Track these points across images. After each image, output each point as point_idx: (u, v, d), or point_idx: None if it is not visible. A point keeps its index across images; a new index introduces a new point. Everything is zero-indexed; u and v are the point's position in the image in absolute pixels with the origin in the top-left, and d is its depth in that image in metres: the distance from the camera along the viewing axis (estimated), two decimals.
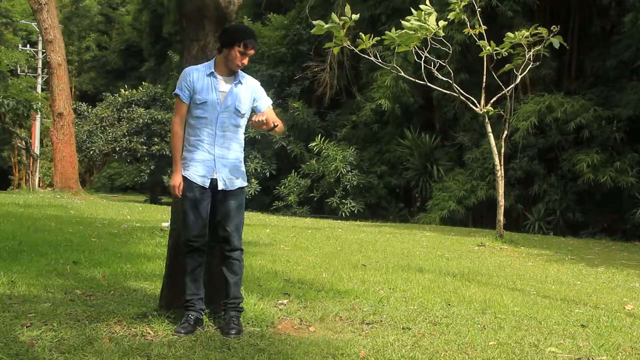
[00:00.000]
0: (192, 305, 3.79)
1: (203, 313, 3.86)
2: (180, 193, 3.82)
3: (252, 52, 3.82)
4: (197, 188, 3.82)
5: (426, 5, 10.30)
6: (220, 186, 3.85)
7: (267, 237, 9.51)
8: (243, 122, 3.96)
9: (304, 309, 4.49)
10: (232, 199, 3.88)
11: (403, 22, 10.41)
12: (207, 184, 3.83)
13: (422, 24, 10.21)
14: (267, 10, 26.44)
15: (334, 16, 10.50)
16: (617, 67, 15.87)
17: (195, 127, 3.84)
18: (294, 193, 21.07)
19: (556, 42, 10.64)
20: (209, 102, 3.81)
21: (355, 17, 10.38)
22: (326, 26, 10.51)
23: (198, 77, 3.83)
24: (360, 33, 11.36)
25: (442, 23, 10.49)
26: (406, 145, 19.74)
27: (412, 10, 10.40)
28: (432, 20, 10.25)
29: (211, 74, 3.84)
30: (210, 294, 3.92)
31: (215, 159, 3.84)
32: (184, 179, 3.83)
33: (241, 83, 3.92)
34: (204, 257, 3.86)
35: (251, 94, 3.96)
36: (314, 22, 10.65)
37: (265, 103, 4.05)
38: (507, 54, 11.11)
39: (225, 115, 3.85)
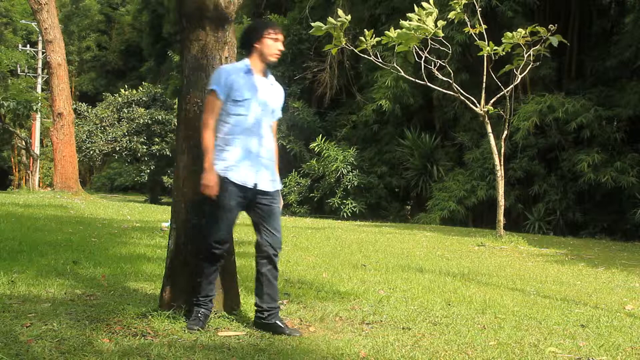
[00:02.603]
0: (204, 303, 3.79)
1: (211, 311, 3.86)
2: (216, 193, 3.70)
3: (281, 36, 3.85)
4: (237, 189, 3.74)
5: (428, 4, 10.31)
6: (266, 187, 3.81)
7: None
8: (273, 124, 3.95)
9: (304, 309, 4.49)
10: (276, 200, 3.86)
11: (402, 22, 10.43)
12: (250, 185, 3.76)
13: (421, 24, 10.22)
14: (267, 10, 26.45)
15: (330, 19, 10.58)
16: (617, 67, 15.88)
17: (235, 126, 3.75)
18: (294, 193, 21.08)
19: (555, 40, 10.63)
20: (250, 100, 3.76)
21: (348, 17, 10.47)
22: (324, 27, 10.55)
23: (237, 74, 3.78)
24: (365, 30, 11.37)
25: (440, 23, 10.49)
26: (406, 145, 19.75)
27: (415, 7, 10.41)
28: (430, 20, 10.25)
29: (249, 72, 3.81)
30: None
31: (257, 160, 3.78)
32: (223, 179, 3.72)
33: (273, 85, 3.92)
34: (222, 261, 3.85)
35: (279, 99, 3.98)
36: (313, 24, 10.69)
37: (278, 114, 4.03)
38: (506, 54, 11.11)
39: (264, 114, 3.82)
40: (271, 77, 3.94)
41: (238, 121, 3.75)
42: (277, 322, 3.81)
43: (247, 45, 3.86)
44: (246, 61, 3.85)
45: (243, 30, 3.97)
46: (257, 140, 3.79)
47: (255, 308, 3.89)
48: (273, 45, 3.82)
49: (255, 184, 3.78)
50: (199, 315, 3.75)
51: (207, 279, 3.80)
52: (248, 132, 3.76)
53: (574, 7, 17.50)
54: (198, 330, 3.64)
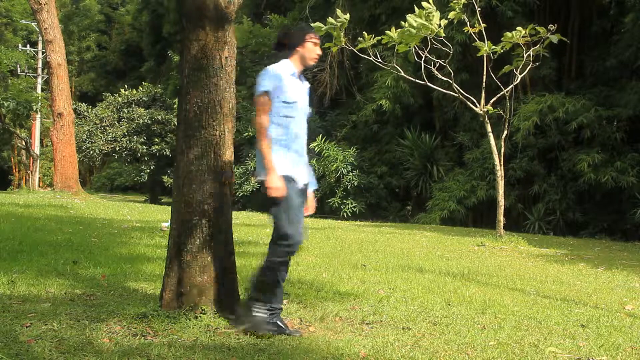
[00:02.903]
0: (276, 313, 3.81)
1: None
2: (284, 194, 3.68)
3: (319, 40, 3.93)
4: (299, 188, 3.81)
5: (428, 4, 10.31)
6: (314, 186, 3.95)
7: (267, 237, 9.48)
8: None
9: (304, 309, 4.49)
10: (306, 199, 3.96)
11: (405, 20, 10.44)
12: (304, 183, 3.86)
13: (424, 23, 10.23)
14: (267, 10, 26.46)
15: (330, 19, 10.63)
16: (617, 67, 15.87)
17: (285, 127, 3.77)
18: None
19: (555, 38, 10.63)
20: (298, 102, 3.81)
21: (346, 17, 10.51)
22: (324, 28, 10.57)
23: (286, 76, 3.81)
24: (364, 32, 11.39)
25: (443, 22, 10.50)
26: (406, 145, 19.75)
27: (416, 8, 10.41)
28: (435, 19, 10.26)
29: (294, 74, 3.85)
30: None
31: (303, 158, 3.87)
32: (287, 178, 3.72)
33: (304, 84, 3.98)
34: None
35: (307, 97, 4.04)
36: (312, 25, 10.71)
37: (309, 112, 4.11)
38: (505, 54, 11.11)
39: (305, 115, 3.89)
40: (302, 77, 4.00)
41: (288, 122, 3.79)
42: (278, 322, 3.82)
43: (288, 48, 3.89)
44: (288, 63, 3.87)
45: (283, 32, 4.00)
46: (302, 140, 3.87)
47: None
48: (313, 49, 3.90)
49: (306, 183, 3.90)
50: (280, 325, 3.76)
51: (281, 284, 3.82)
52: (296, 132, 3.82)
53: (574, 7, 17.50)
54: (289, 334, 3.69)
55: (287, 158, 3.78)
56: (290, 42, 3.90)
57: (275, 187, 3.67)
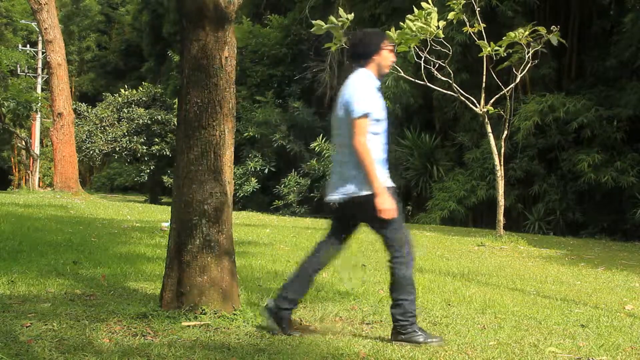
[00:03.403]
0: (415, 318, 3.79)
1: None
2: (396, 214, 3.68)
3: (393, 46, 3.87)
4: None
5: (427, 4, 10.30)
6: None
7: (267, 237, 9.51)
8: None
9: (304, 309, 4.49)
10: None
11: (407, 20, 10.42)
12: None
13: (423, 25, 10.22)
14: (267, 10, 26.45)
15: (332, 18, 10.58)
16: (617, 67, 15.87)
17: (376, 143, 3.72)
18: (293, 192, 21.07)
19: (554, 39, 10.64)
20: (383, 117, 3.76)
21: (350, 16, 10.45)
22: (325, 26, 10.56)
23: (375, 92, 3.74)
24: None
25: (441, 23, 10.49)
26: (406, 145, 19.74)
27: (415, 9, 10.41)
28: (434, 20, 10.25)
29: (377, 87, 3.78)
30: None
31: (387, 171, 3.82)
32: (390, 191, 3.72)
33: None
34: None
35: None
36: (314, 22, 10.70)
37: None
38: (506, 54, 11.11)
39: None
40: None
41: (377, 138, 3.73)
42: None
43: (364, 57, 3.81)
44: (370, 75, 3.79)
45: (357, 40, 3.89)
46: (386, 153, 3.81)
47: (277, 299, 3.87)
48: (389, 57, 3.82)
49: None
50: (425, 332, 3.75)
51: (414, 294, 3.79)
52: (383, 146, 3.78)
53: (574, 7, 17.50)
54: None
55: (383, 173, 3.75)
56: (366, 50, 3.80)
57: (389, 208, 3.65)
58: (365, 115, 3.65)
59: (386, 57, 3.81)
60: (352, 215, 3.84)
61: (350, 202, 3.76)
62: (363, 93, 3.70)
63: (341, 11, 10.59)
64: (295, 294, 3.87)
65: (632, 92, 15.03)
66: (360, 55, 3.83)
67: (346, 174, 3.76)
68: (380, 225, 3.74)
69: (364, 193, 3.69)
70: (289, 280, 3.97)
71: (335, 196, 3.82)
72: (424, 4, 10.31)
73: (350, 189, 3.73)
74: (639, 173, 14.44)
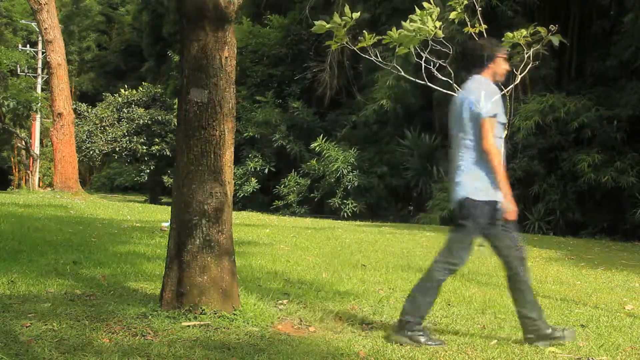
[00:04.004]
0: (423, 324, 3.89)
1: None
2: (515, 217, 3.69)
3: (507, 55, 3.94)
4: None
5: (429, 4, 10.29)
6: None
7: (267, 237, 9.50)
8: None
9: (304, 309, 4.49)
10: None
11: (404, 23, 10.41)
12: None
13: (422, 27, 10.21)
14: (267, 10, 26.46)
15: (335, 16, 10.56)
16: (617, 67, 15.86)
17: (498, 147, 3.75)
18: (294, 192, 21.08)
19: (555, 40, 10.62)
20: (505, 122, 3.83)
21: (356, 15, 10.41)
22: (327, 26, 10.53)
23: (500, 96, 3.79)
24: (364, 31, 11.35)
25: (438, 24, 10.48)
26: (406, 145, 19.75)
27: (416, 9, 10.39)
28: (430, 22, 10.24)
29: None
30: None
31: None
32: (492, 203, 3.71)
33: None
34: None
35: None
36: (315, 22, 10.68)
37: None
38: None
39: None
40: None
41: (500, 142, 3.77)
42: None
43: (480, 65, 3.88)
44: (487, 80, 3.84)
45: (473, 47, 3.99)
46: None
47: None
48: (504, 65, 3.88)
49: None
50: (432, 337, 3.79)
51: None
52: (502, 151, 3.81)
53: (574, 7, 17.50)
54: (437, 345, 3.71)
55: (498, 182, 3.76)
56: (483, 58, 3.87)
57: (514, 210, 3.70)
58: (494, 116, 3.71)
59: (501, 65, 3.88)
60: (466, 216, 3.83)
61: (465, 203, 3.80)
62: (490, 95, 3.76)
63: (347, 9, 10.52)
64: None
65: (632, 92, 15.02)
66: (476, 63, 3.92)
67: (463, 176, 3.80)
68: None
69: (481, 198, 3.73)
70: None
71: (455, 198, 3.88)
72: (425, 4, 10.30)
73: (464, 192, 3.77)
74: (639, 173, 14.43)
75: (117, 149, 27.66)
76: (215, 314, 3.93)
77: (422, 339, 3.69)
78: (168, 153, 27.26)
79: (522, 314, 3.85)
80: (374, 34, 11.08)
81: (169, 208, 4.41)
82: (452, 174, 3.87)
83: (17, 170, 40.36)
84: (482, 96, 3.73)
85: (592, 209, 15.67)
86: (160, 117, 27.56)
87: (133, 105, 28.34)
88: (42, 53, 33.06)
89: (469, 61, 3.96)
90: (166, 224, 8.95)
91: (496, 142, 3.73)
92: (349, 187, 19.94)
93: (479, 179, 3.73)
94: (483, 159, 3.71)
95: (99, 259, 6.13)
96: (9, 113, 25.02)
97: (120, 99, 28.70)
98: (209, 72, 4.00)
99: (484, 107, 3.70)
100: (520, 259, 3.91)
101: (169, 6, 34.47)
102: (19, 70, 33.89)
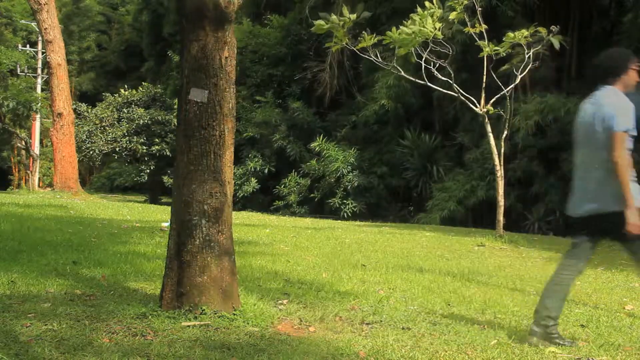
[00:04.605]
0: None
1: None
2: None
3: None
4: None
5: (431, 4, 10.30)
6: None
7: (267, 237, 9.50)
8: None
9: (304, 309, 4.49)
10: None
11: (402, 27, 10.42)
12: None
13: (422, 28, 10.22)
14: (267, 10, 26.46)
15: (334, 16, 10.57)
16: None
17: (628, 159, 3.74)
18: (294, 193, 21.09)
19: (556, 42, 10.65)
20: (636, 134, 3.79)
21: (353, 16, 10.44)
22: (326, 26, 10.55)
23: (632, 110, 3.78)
24: (363, 32, 11.37)
25: (437, 24, 10.49)
26: (406, 145, 19.76)
27: (419, 8, 10.40)
28: (429, 22, 10.25)
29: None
30: None
31: None
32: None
33: None
34: None
35: None
36: (315, 22, 10.69)
37: None
38: (506, 55, 11.12)
39: None
40: None
41: (629, 154, 3.75)
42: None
43: (613, 76, 3.86)
44: (617, 91, 3.83)
45: (606, 59, 3.95)
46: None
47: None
48: (635, 76, 3.88)
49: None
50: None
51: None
52: (631, 162, 3.78)
53: (574, 7, 17.51)
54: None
55: (636, 189, 3.76)
56: (615, 70, 3.86)
57: (638, 224, 3.68)
58: (626, 131, 3.71)
59: (633, 76, 3.88)
60: (597, 230, 3.90)
61: (598, 218, 3.82)
62: (625, 109, 3.75)
63: (345, 10, 10.56)
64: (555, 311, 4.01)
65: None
66: (609, 74, 3.88)
67: (593, 189, 3.80)
68: (630, 240, 3.79)
69: (614, 209, 3.73)
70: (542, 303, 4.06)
71: (580, 211, 3.90)
72: (427, 4, 10.31)
73: (598, 205, 3.79)
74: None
75: (117, 149, 27.67)
76: (215, 314, 3.93)
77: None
78: (168, 153, 27.27)
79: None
80: (374, 34, 11.13)
81: (169, 208, 4.41)
82: (583, 185, 3.89)
83: (17, 170, 40.36)
84: (618, 110, 3.74)
85: None
86: (160, 117, 27.57)
87: (133, 105, 28.36)
88: (42, 53, 33.05)
89: (601, 71, 3.92)
90: (166, 224, 8.95)
91: (627, 154, 3.74)
92: (348, 187, 19.95)
93: (616, 191, 3.73)
94: (614, 171, 3.72)
95: (99, 259, 6.12)
96: (9, 113, 25.01)
97: (120, 99, 28.72)
98: (209, 72, 3.99)
99: (619, 122, 3.70)
100: None
101: (169, 6, 34.48)
102: (19, 70, 33.88)
